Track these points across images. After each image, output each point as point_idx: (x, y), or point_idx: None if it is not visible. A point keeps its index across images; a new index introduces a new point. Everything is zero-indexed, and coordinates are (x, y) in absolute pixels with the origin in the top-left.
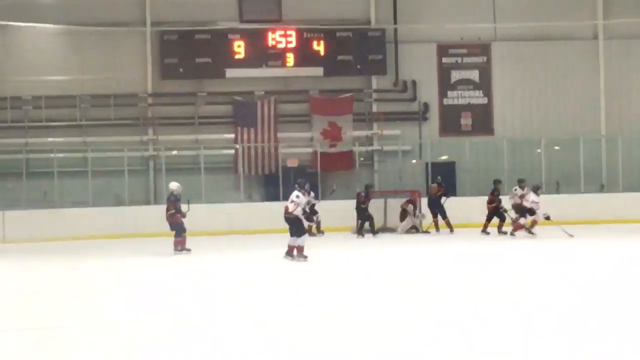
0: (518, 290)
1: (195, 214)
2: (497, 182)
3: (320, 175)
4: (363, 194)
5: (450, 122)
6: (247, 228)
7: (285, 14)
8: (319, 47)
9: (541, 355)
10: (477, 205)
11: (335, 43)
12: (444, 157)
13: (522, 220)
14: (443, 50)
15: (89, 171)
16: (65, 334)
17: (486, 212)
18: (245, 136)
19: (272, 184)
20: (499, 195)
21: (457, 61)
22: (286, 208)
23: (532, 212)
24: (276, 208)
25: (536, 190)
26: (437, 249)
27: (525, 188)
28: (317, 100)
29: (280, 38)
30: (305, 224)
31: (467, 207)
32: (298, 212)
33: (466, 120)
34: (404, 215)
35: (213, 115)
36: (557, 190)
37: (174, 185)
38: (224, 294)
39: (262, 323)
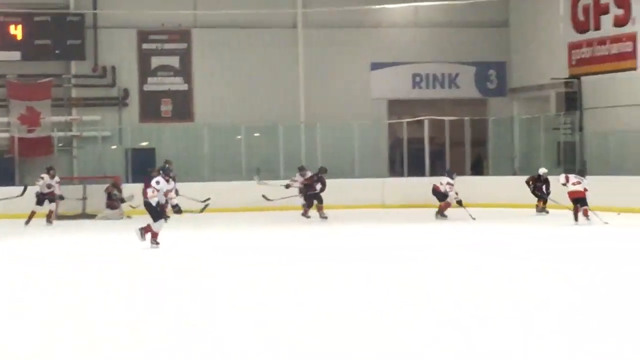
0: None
1: None
2: (322, 170)
3: (18, 161)
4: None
5: (150, 108)
6: None
7: None
8: (16, 31)
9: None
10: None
11: (33, 27)
12: (144, 143)
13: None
14: (143, 36)
15: None
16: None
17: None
18: None
19: None
20: (318, 182)
21: (157, 47)
22: (145, 192)
23: (445, 195)
24: None
25: (451, 174)
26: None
27: (308, 173)
28: (15, 85)
29: None
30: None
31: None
32: (154, 199)
33: (166, 107)
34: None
35: None
36: (258, 177)
37: None
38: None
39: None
